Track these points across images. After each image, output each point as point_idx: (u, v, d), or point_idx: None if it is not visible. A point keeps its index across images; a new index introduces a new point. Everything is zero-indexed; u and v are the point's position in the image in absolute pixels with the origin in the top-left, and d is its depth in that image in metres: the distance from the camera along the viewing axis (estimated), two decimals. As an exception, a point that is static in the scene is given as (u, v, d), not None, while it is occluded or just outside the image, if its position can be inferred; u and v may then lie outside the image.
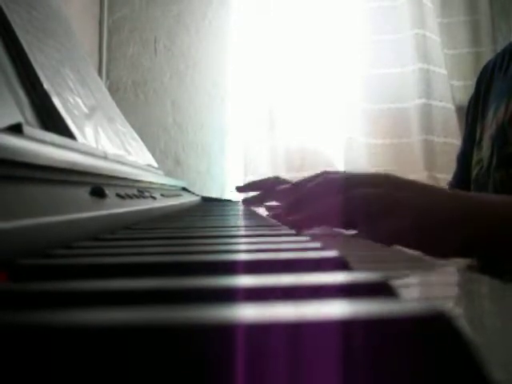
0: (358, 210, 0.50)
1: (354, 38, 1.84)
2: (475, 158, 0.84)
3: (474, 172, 0.83)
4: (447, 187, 0.97)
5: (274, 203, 0.86)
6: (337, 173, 0.60)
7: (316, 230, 0.54)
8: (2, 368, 0.10)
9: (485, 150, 0.79)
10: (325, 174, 0.58)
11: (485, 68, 0.92)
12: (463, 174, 0.89)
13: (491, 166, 0.76)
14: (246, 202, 0.92)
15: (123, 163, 0.66)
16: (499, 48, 1.00)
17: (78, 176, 0.43)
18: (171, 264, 0.22)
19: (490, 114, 0.82)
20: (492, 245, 0.49)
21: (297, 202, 0.56)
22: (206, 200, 1.35)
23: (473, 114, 0.90)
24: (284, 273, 0.20)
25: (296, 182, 0.66)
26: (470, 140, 0.88)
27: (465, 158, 0.89)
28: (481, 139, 0.84)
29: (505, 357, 0.13)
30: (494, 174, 0.75)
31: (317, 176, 0.60)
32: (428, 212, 0.50)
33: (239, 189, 0.89)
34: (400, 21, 1.85)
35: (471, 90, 0.95)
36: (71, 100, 0.63)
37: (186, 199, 1.09)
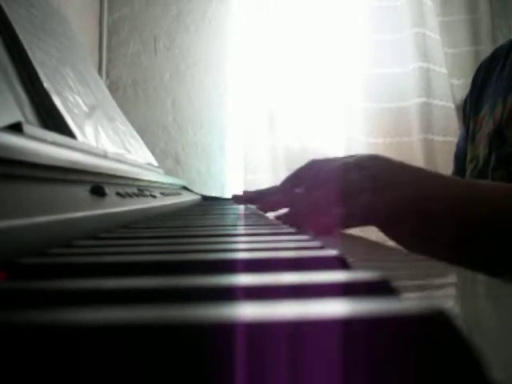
0: (354, 189, 0.51)
1: (354, 37, 1.84)
2: (469, 155, 0.84)
3: (469, 169, 0.83)
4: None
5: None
6: (326, 161, 0.60)
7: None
8: (1, 367, 0.10)
9: (481, 148, 0.79)
10: (315, 166, 0.59)
11: (480, 66, 0.91)
12: (462, 175, 0.88)
13: (489, 165, 0.76)
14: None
15: (123, 162, 0.66)
16: (499, 47, 1.00)
17: (78, 175, 0.43)
18: (171, 263, 0.22)
19: (485, 111, 0.81)
20: (483, 235, 0.50)
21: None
22: (207, 199, 1.35)
23: (469, 111, 0.90)
24: (284, 271, 0.20)
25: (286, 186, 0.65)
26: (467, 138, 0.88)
27: (464, 158, 0.89)
28: (474, 136, 0.83)
29: (504, 356, 0.13)
30: (493, 173, 0.75)
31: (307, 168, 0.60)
32: (422, 195, 0.52)
33: (236, 199, 0.80)
34: (400, 20, 1.85)
35: (471, 89, 0.94)
36: (71, 99, 0.63)
37: (186, 198, 1.09)
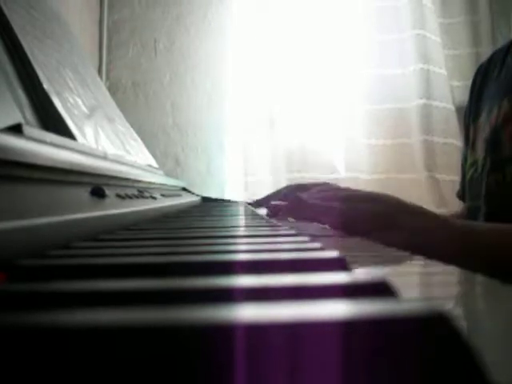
0: (356, 222, 0.54)
1: (354, 39, 1.84)
2: (469, 160, 0.85)
3: (469, 174, 0.83)
4: (455, 196, 0.97)
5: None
6: (339, 187, 0.64)
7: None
8: (0, 368, 0.10)
9: (479, 153, 0.80)
10: (330, 186, 0.62)
11: (477, 72, 0.92)
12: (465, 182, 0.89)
13: (485, 168, 0.76)
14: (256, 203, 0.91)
15: (123, 163, 0.66)
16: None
17: (78, 176, 0.43)
18: (171, 264, 0.22)
19: (483, 116, 0.82)
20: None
21: (300, 200, 0.60)
22: (206, 200, 1.35)
23: (468, 118, 0.90)
24: (284, 273, 0.20)
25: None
26: (467, 145, 0.89)
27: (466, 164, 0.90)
28: (474, 141, 0.84)
29: (504, 358, 0.13)
30: (489, 176, 0.75)
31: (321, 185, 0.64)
32: (420, 237, 0.54)
33: (258, 204, 0.88)
34: (400, 21, 1.85)
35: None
36: (71, 100, 0.63)
37: (186, 199, 1.09)
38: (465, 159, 0.91)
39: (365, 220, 0.54)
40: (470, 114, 0.90)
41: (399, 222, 0.54)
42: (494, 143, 0.75)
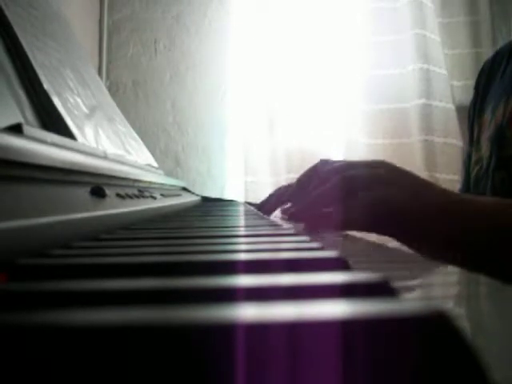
0: (357, 184, 0.54)
1: (354, 39, 1.84)
2: (474, 158, 0.85)
3: (474, 172, 0.83)
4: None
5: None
6: (333, 161, 0.62)
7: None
8: (1, 368, 0.10)
9: (484, 151, 0.80)
10: (321, 165, 0.61)
11: (482, 69, 0.92)
12: (468, 181, 0.89)
13: (490, 166, 0.76)
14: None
15: (123, 163, 0.66)
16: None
17: (78, 176, 0.43)
18: (171, 264, 0.22)
19: (488, 114, 0.82)
20: (476, 244, 0.52)
21: (297, 193, 0.60)
22: (206, 200, 1.35)
23: (472, 115, 0.90)
24: (284, 273, 0.20)
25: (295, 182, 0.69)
26: (471, 143, 0.89)
27: (470, 162, 0.89)
28: (478, 139, 0.84)
29: (504, 357, 0.13)
30: (494, 174, 0.75)
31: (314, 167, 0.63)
32: (420, 196, 0.54)
33: (263, 208, 0.86)
34: (400, 21, 1.85)
35: (471, 90, 0.95)
36: (71, 100, 0.63)
37: (186, 199, 1.09)
38: (468, 157, 0.91)
39: (365, 182, 0.54)
40: (474, 111, 0.90)
41: (401, 181, 0.54)
42: (499, 140, 0.75)
